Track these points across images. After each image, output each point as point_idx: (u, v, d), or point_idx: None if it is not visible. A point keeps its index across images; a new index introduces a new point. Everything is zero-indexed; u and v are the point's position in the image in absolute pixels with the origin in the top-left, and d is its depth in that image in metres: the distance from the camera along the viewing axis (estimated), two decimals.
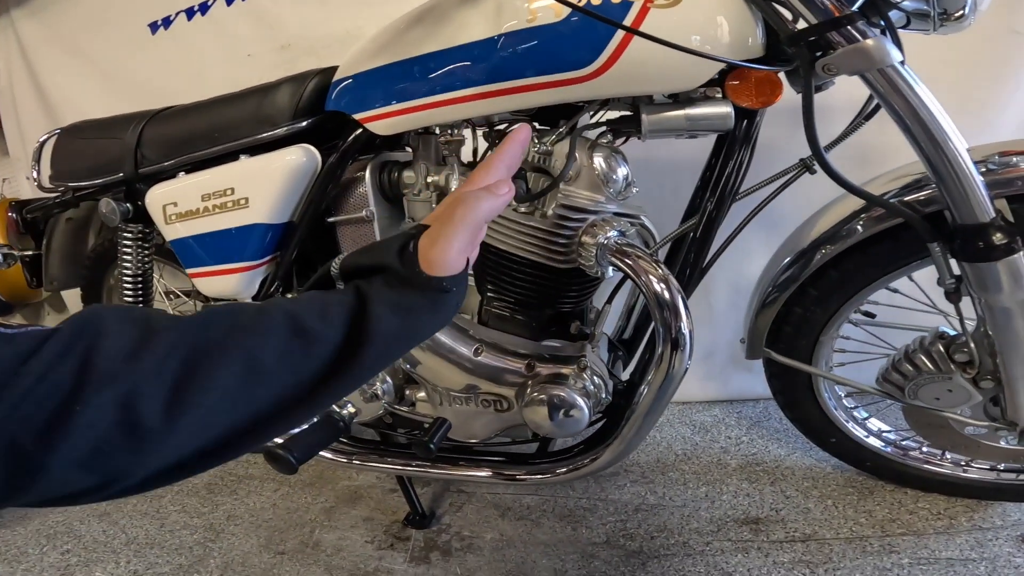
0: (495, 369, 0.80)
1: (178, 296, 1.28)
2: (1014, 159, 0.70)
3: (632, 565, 0.92)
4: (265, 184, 0.81)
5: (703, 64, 0.61)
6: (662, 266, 0.68)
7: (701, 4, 0.61)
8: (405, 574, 0.94)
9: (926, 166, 0.63)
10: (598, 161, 0.71)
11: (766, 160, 0.79)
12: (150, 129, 0.91)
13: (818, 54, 0.58)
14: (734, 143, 0.71)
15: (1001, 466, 0.93)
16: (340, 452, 0.94)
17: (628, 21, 0.61)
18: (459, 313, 0.70)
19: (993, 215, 0.63)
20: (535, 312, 0.81)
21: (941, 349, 0.79)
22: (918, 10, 0.64)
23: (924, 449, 0.98)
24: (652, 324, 0.71)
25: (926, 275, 0.78)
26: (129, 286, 1.00)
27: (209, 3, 1.32)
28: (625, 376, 0.88)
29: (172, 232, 0.88)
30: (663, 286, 0.67)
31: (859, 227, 0.78)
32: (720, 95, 0.67)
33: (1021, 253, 0.64)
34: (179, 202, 0.86)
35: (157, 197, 0.88)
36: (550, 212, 0.72)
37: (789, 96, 0.67)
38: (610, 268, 0.72)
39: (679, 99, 0.69)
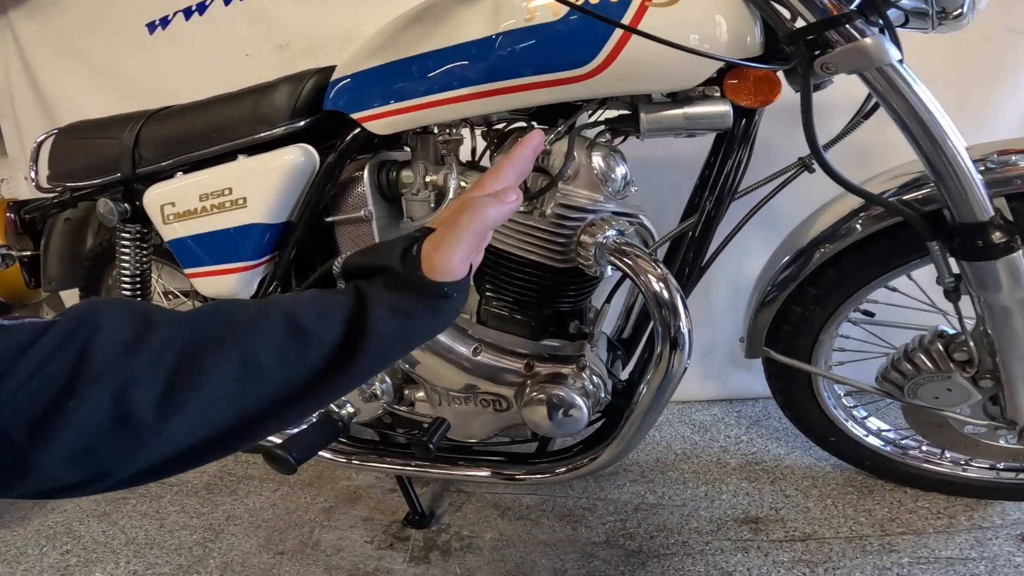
0: (494, 369, 0.80)
1: (176, 296, 1.28)
2: (1013, 158, 0.70)
3: (632, 564, 0.92)
4: (263, 184, 0.81)
5: (701, 63, 0.61)
6: (661, 265, 0.68)
7: (699, 3, 0.61)
8: (405, 574, 0.94)
9: (925, 165, 0.63)
10: (597, 160, 0.71)
11: (765, 159, 0.78)
12: (148, 129, 0.91)
13: (817, 53, 0.58)
14: (733, 142, 0.71)
15: (1000, 465, 0.93)
16: (339, 452, 0.94)
17: (626, 20, 0.61)
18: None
19: (992, 214, 0.63)
20: (534, 311, 0.81)
21: (940, 348, 0.79)
22: (916, 9, 0.64)
23: (923, 448, 0.98)
24: (651, 323, 0.71)
25: (925, 274, 0.78)
26: (127, 286, 1.00)
27: (207, 3, 1.32)
28: (624, 375, 0.88)
29: (170, 232, 0.88)
30: (662, 285, 0.67)
31: (858, 226, 0.78)
32: (719, 94, 0.67)
33: (1020, 252, 0.64)
34: (177, 202, 0.86)
35: (155, 197, 0.87)
36: (549, 211, 0.72)
37: (788, 95, 0.67)
38: (609, 267, 0.72)
39: (677, 98, 0.69)
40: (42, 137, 1.04)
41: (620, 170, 0.73)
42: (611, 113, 0.75)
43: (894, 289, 0.87)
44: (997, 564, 0.85)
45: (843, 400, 0.98)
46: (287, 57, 1.30)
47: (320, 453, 0.92)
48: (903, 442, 0.99)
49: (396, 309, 0.37)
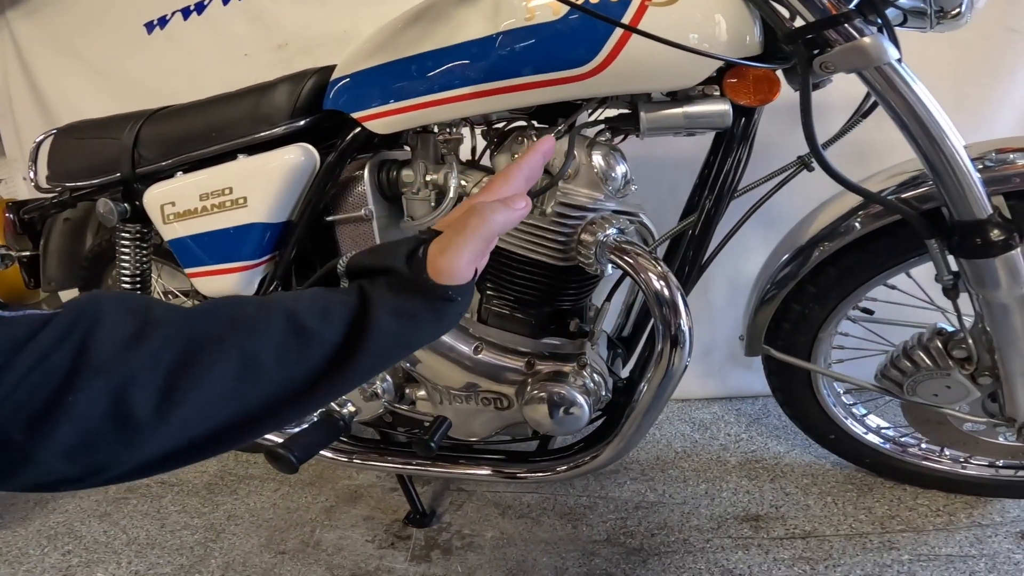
0: (495, 367, 0.80)
1: (176, 296, 1.28)
2: (1011, 156, 0.70)
3: (632, 563, 0.92)
4: (263, 183, 0.81)
5: (701, 62, 0.62)
6: (661, 263, 0.69)
7: (699, 2, 0.61)
8: (406, 573, 0.94)
9: (923, 163, 0.63)
10: (597, 159, 0.71)
11: (764, 157, 0.79)
12: (147, 129, 0.91)
13: (816, 52, 0.59)
14: (732, 141, 0.71)
15: (1000, 462, 0.93)
16: (340, 451, 0.94)
17: (626, 19, 0.61)
18: None
19: (990, 211, 0.64)
20: (535, 310, 0.81)
21: (939, 345, 0.80)
22: (915, 8, 0.65)
23: (923, 446, 0.98)
24: (651, 321, 0.71)
25: (924, 271, 0.79)
26: (127, 286, 1.00)
27: (205, 2, 1.32)
28: (625, 373, 0.88)
29: (170, 232, 0.88)
30: (662, 283, 0.67)
31: (857, 224, 0.78)
32: (718, 93, 0.67)
33: (1018, 249, 0.64)
34: (177, 202, 0.86)
35: (155, 197, 0.87)
36: (549, 210, 0.72)
37: (787, 94, 0.67)
38: (609, 266, 0.72)
39: (677, 97, 0.69)
40: (41, 137, 1.04)
41: (620, 169, 0.73)
42: (611, 112, 0.75)
43: (893, 287, 0.87)
44: (997, 561, 0.86)
45: (842, 398, 0.98)
46: (285, 57, 1.30)
47: (321, 452, 0.92)
48: (902, 440, 0.99)
49: (399, 311, 0.37)
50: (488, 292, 0.82)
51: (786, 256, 0.85)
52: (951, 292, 0.73)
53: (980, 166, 0.68)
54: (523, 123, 0.79)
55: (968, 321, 0.77)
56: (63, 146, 1.00)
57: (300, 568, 0.96)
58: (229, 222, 0.83)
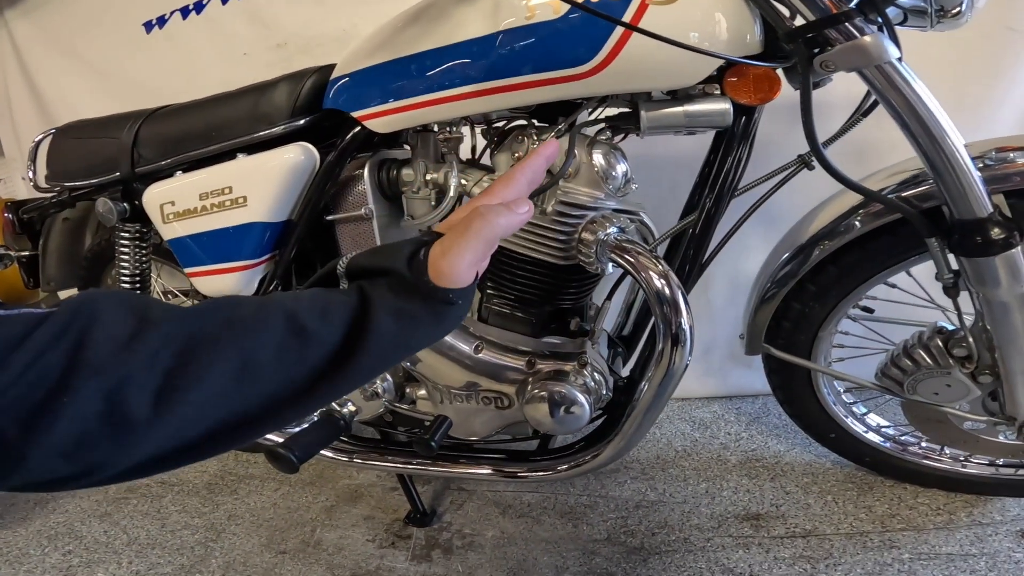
0: (495, 366, 0.80)
1: (176, 296, 1.28)
2: (1011, 155, 0.70)
3: (633, 562, 0.92)
4: (263, 183, 0.81)
5: (701, 61, 0.61)
6: (662, 262, 0.69)
7: (699, 1, 0.61)
8: (407, 572, 0.94)
9: (924, 162, 0.63)
10: (597, 158, 0.71)
11: (764, 156, 0.79)
12: (146, 128, 0.91)
13: (816, 51, 0.59)
14: (732, 139, 0.71)
15: (1000, 461, 0.93)
16: (341, 451, 0.94)
17: (627, 18, 0.61)
18: None
19: (991, 210, 0.64)
20: (535, 309, 0.81)
21: (939, 344, 0.80)
22: (915, 7, 0.65)
23: (923, 444, 0.98)
24: (652, 320, 0.71)
25: (924, 270, 0.79)
26: (127, 286, 1.00)
27: (204, 2, 1.31)
28: (625, 372, 0.88)
29: (170, 231, 0.88)
30: (663, 282, 0.67)
31: (857, 223, 0.78)
32: (719, 92, 0.67)
33: (1019, 248, 0.64)
34: (177, 201, 0.86)
35: (154, 196, 0.87)
36: (549, 209, 0.72)
37: (787, 92, 0.67)
38: (610, 264, 0.72)
39: (678, 96, 0.69)
40: (40, 137, 1.04)
41: (620, 168, 0.73)
42: (611, 111, 0.75)
43: (893, 285, 0.87)
44: (997, 560, 0.86)
45: (843, 396, 0.98)
46: (284, 56, 1.30)
47: (321, 452, 0.92)
48: (903, 438, 0.99)
49: (399, 312, 0.37)
50: (489, 291, 0.82)
51: (786, 255, 0.85)
52: (951, 291, 0.73)
53: (980, 165, 0.68)
54: (523, 122, 0.79)
55: (968, 319, 0.77)
56: (62, 146, 1.00)
57: (301, 568, 0.96)
58: (229, 221, 0.83)
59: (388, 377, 0.88)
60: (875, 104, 0.75)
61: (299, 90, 0.81)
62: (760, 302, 0.89)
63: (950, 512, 0.95)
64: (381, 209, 0.83)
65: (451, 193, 0.76)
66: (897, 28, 0.63)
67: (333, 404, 0.83)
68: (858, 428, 0.99)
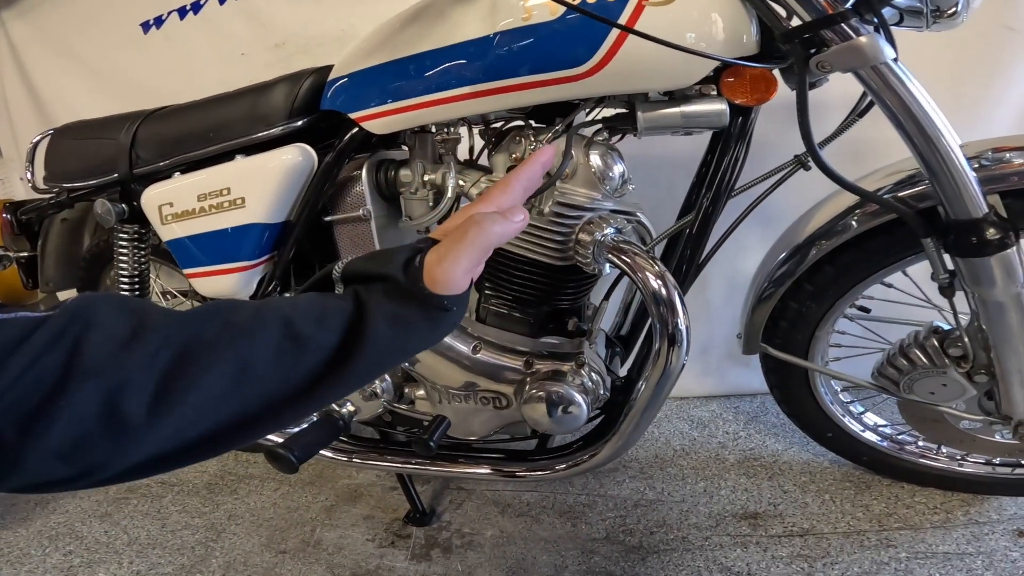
0: (494, 366, 0.80)
1: (175, 296, 1.28)
2: (1007, 155, 0.70)
3: (631, 560, 0.92)
4: (261, 184, 0.81)
5: (698, 62, 0.62)
6: (658, 263, 0.69)
7: (696, 2, 0.61)
8: (406, 572, 0.94)
9: (919, 162, 0.63)
10: (594, 159, 0.71)
11: (761, 156, 0.79)
12: (144, 129, 0.91)
13: (812, 51, 0.59)
14: (729, 140, 0.72)
15: (996, 460, 0.93)
16: (340, 451, 0.95)
17: (623, 19, 0.61)
18: None
19: (986, 210, 0.64)
20: (533, 309, 0.81)
21: (935, 343, 0.80)
22: (911, 7, 0.65)
23: (920, 443, 0.98)
24: (649, 320, 0.71)
25: (920, 270, 0.79)
26: (126, 287, 1.00)
27: (202, 2, 1.31)
28: (623, 372, 0.88)
29: (168, 232, 0.88)
30: (659, 282, 0.67)
31: (854, 222, 0.78)
32: (715, 92, 0.67)
33: (1014, 248, 0.64)
34: (175, 202, 0.86)
35: (153, 198, 0.87)
36: (547, 210, 0.72)
37: (784, 93, 0.67)
38: (607, 265, 0.72)
39: (674, 96, 0.69)
40: (38, 138, 1.04)
41: (617, 168, 0.73)
42: (608, 112, 0.76)
43: (890, 285, 0.87)
44: (994, 559, 0.86)
45: (840, 396, 0.98)
46: (283, 56, 1.30)
47: (321, 452, 0.92)
48: (900, 437, 0.99)
49: (395, 318, 0.37)
50: (487, 291, 0.82)
51: (783, 254, 0.85)
52: (947, 290, 0.73)
53: (976, 165, 0.68)
54: (521, 123, 0.79)
55: (964, 319, 0.78)
56: (60, 147, 1.00)
57: (301, 567, 0.97)
58: (227, 223, 0.83)
59: (387, 377, 0.88)
60: (871, 104, 0.75)
61: (297, 91, 0.81)
62: (757, 301, 0.89)
63: (947, 511, 0.95)
64: (379, 210, 0.83)
65: (449, 194, 0.77)
66: (893, 28, 0.63)
67: (332, 404, 0.83)
68: (855, 427, 0.99)
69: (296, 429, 0.78)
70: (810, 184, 0.78)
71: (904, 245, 0.77)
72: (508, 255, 0.76)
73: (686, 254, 0.77)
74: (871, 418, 1.01)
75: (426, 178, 0.78)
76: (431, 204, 0.80)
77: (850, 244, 0.80)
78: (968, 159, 0.63)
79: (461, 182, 0.77)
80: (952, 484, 0.98)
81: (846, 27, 0.57)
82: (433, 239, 0.41)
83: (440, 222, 0.80)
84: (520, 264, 0.77)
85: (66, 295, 1.53)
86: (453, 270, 0.38)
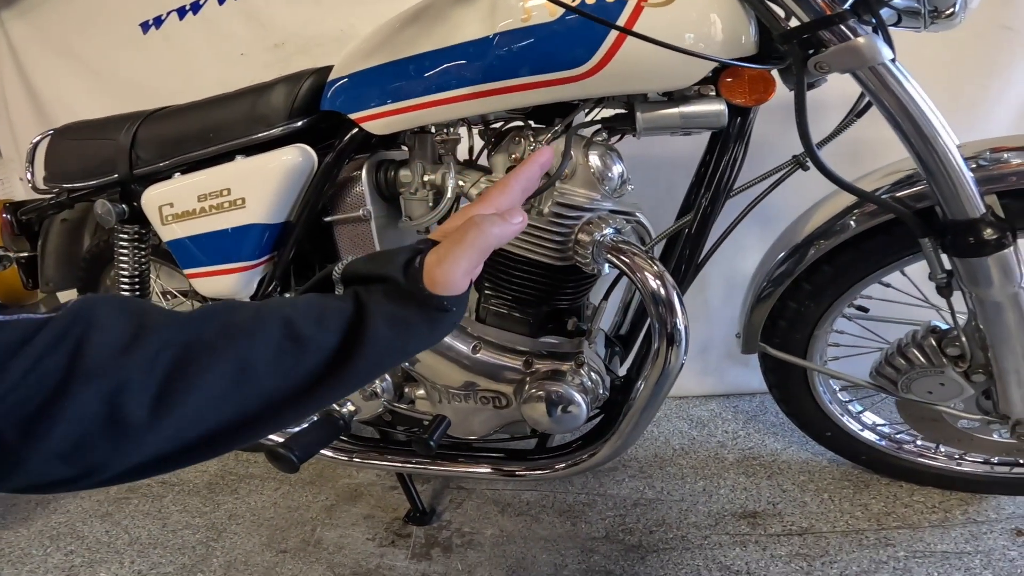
0: (493, 366, 0.80)
1: (175, 296, 1.28)
2: (1005, 155, 0.71)
3: (631, 559, 0.92)
4: (261, 184, 0.81)
5: (697, 63, 0.62)
6: (657, 263, 0.69)
7: (695, 2, 0.61)
8: (407, 571, 0.94)
9: (916, 163, 0.64)
10: (593, 159, 0.72)
11: (760, 157, 0.79)
12: (144, 130, 0.91)
13: (810, 52, 0.59)
14: (728, 140, 0.72)
15: (995, 459, 0.94)
16: (340, 450, 0.95)
17: (622, 20, 0.61)
18: None
19: (983, 211, 0.64)
20: (532, 309, 0.81)
21: (933, 343, 0.80)
22: (909, 8, 0.65)
23: (918, 443, 0.99)
24: (648, 320, 0.71)
25: (918, 269, 0.79)
26: (126, 287, 1.00)
27: (201, 2, 1.31)
28: (622, 371, 0.89)
29: (169, 233, 0.88)
30: (658, 283, 0.67)
31: (852, 222, 0.78)
32: (714, 93, 0.68)
33: (1011, 248, 0.65)
34: (175, 203, 0.86)
35: (153, 198, 0.88)
36: (546, 210, 0.72)
37: (782, 93, 0.67)
38: (606, 265, 0.72)
39: (673, 97, 0.69)
40: (38, 138, 1.04)
41: (617, 168, 0.73)
42: (607, 112, 0.76)
43: (888, 285, 0.88)
44: (992, 558, 0.86)
45: (839, 395, 0.99)
46: (282, 56, 1.30)
47: (321, 451, 0.92)
48: (898, 436, 1.00)
49: (395, 319, 0.37)
50: (486, 291, 0.83)
51: (782, 254, 0.86)
52: (945, 290, 0.73)
53: (974, 165, 0.68)
54: (520, 123, 0.79)
55: (962, 319, 0.78)
56: (60, 147, 1.00)
57: (301, 566, 0.97)
58: (227, 223, 0.83)
59: (387, 377, 0.88)
60: (869, 105, 0.75)
61: (296, 92, 0.81)
62: (756, 301, 0.89)
63: (945, 510, 0.96)
64: (379, 210, 0.83)
65: (448, 194, 0.77)
66: (891, 29, 0.63)
67: (332, 404, 0.83)
68: (854, 426, 0.99)
69: (296, 429, 0.78)
70: (808, 184, 0.79)
71: (902, 245, 0.77)
72: (508, 255, 0.77)
73: (685, 254, 0.77)
74: (869, 417, 1.01)
75: (426, 178, 0.79)
76: (431, 204, 0.80)
77: (848, 244, 0.80)
78: (966, 159, 0.63)
79: (461, 182, 0.77)
80: (950, 483, 0.98)
81: (844, 28, 0.57)
82: (432, 240, 0.41)
83: (440, 222, 0.80)
84: (520, 264, 0.77)
85: (66, 295, 1.53)
86: (453, 271, 0.38)
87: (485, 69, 0.67)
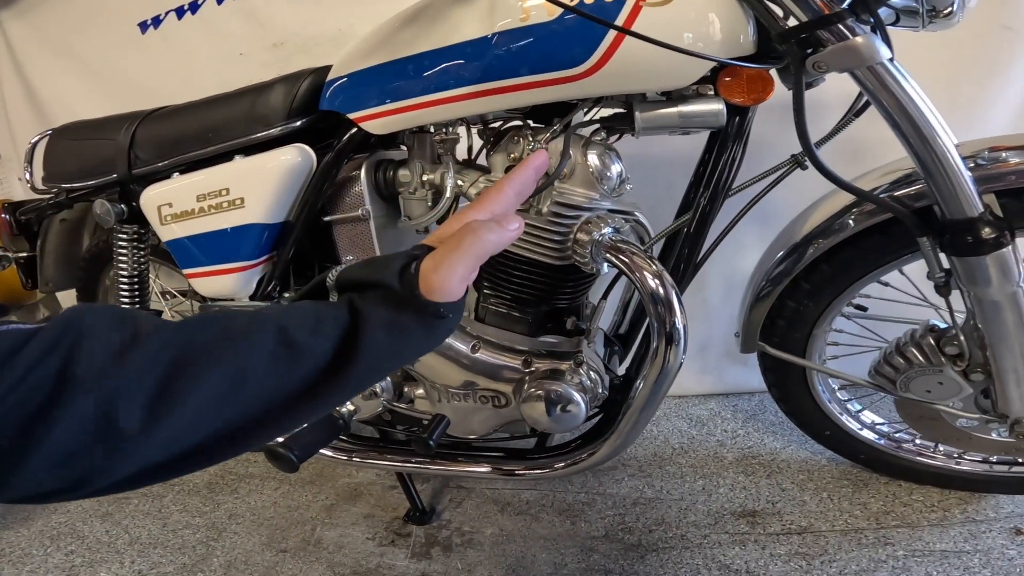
0: (493, 365, 0.80)
1: (174, 296, 1.28)
2: (1003, 154, 0.71)
3: (631, 558, 0.93)
4: (260, 184, 0.81)
5: (695, 62, 0.62)
6: (656, 262, 0.69)
7: (693, 2, 0.61)
8: (406, 570, 0.95)
9: (914, 162, 0.64)
10: (592, 158, 0.72)
11: (758, 156, 0.79)
12: (143, 129, 0.91)
13: (808, 51, 0.59)
14: (727, 139, 0.72)
15: (993, 458, 0.94)
16: (340, 450, 0.95)
17: (620, 20, 0.61)
18: None
19: (981, 210, 0.64)
20: (532, 308, 0.82)
21: (931, 342, 0.80)
22: (907, 7, 0.65)
23: (917, 442, 0.99)
24: (647, 319, 0.71)
25: (916, 269, 0.79)
26: (125, 287, 1.00)
27: (199, 2, 1.31)
28: (621, 371, 0.89)
29: (168, 233, 0.88)
30: (657, 282, 0.67)
31: (850, 222, 0.79)
32: (712, 92, 0.68)
33: (1009, 247, 0.65)
34: (174, 203, 0.86)
35: (152, 198, 0.88)
36: (545, 209, 0.72)
37: (781, 92, 0.67)
38: (605, 264, 0.72)
39: (672, 96, 0.69)
40: (36, 138, 1.04)
41: (615, 168, 0.73)
42: (606, 112, 0.76)
43: (886, 284, 0.88)
44: (991, 557, 0.87)
45: (837, 394, 0.99)
46: (281, 56, 1.30)
47: (321, 451, 0.92)
48: (897, 435, 1.00)
49: (390, 326, 0.37)
50: (485, 291, 0.83)
51: (781, 253, 0.86)
52: (943, 289, 0.73)
53: (972, 164, 0.68)
54: (519, 123, 0.79)
55: (960, 318, 0.78)
56: (59, 147, 1.00)
57: (301, 566, 0.97)
58: (227, 223, 0.83)
59: (387, 377, 0.88)
60: (867, 104, 0.75)
61: (295, 92, 0.81)
62: (755, 300, 0.89)
63: (944, 509, 0.96)
64: (378, 210, 0.83)
65: (447, 193, 0.77)
66: (889, 28, 0.63)
67: (330, 411, 0.83)
68: (853, 425, 0.99)
69: (296, 428, 0.78)
70: (807, 183, 0.79)
71: (900, 244, 0.77)
72: (507, 255, 0.77)
73: (684, 253, 0.77)
74: (868, 416, 1.02)
75: (425, 178, 0.79)
76: (430, 204, 0.80)
77: (847, 243, 0.80)
78: (964, 158, 0.63)
79: (459, 182, 0.78)
80: (949, 482, 0.98)
81: (842, 27, 0.57)
82: (428, 246, 0.41)
83: (439, 222, 0.81)
84: (519, 263, 0.77)
85: (66, 295, 1.53)
86: (449, 277, 0.38)
87: (484, 69, 0.67)
